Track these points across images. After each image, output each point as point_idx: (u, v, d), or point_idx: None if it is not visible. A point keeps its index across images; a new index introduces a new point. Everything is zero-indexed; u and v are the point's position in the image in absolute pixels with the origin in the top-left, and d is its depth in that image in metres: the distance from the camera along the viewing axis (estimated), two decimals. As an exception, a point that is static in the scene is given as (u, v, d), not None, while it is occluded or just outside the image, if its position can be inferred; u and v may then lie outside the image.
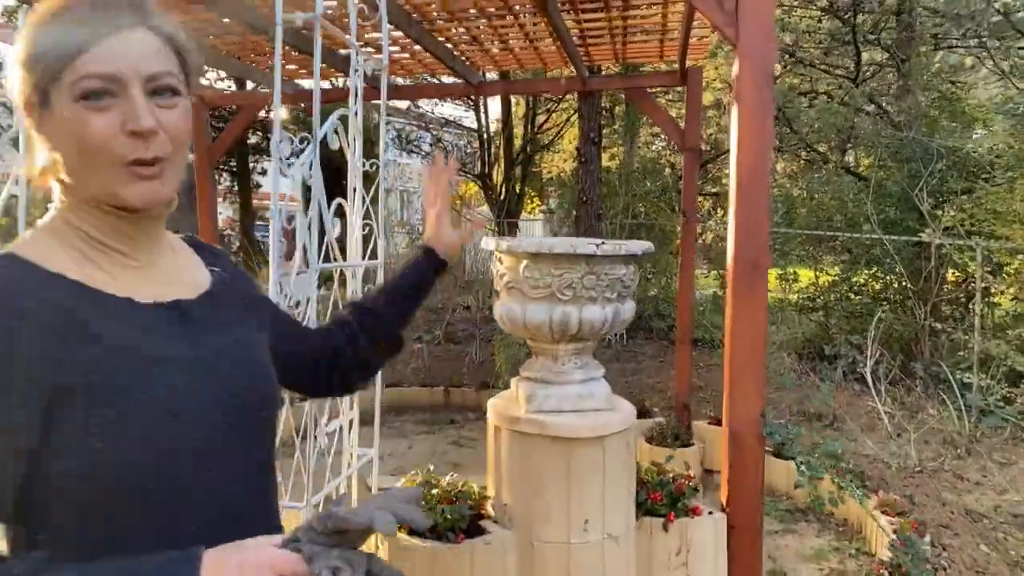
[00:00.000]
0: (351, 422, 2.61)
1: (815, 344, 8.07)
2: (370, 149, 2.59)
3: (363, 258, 2.45)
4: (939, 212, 7.74)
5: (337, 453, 2.59)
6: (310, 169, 2.03)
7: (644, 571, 2.46)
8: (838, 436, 6.35)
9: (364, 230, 2.44)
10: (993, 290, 7.60)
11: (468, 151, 16.51)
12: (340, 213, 2.39)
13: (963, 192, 7.51)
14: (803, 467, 2.44)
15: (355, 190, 2.41)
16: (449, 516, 2.29)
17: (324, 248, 2.22)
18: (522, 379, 2.47)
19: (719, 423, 5.99)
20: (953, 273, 8.28)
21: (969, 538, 4.31)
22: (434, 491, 2.38)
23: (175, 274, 0.91)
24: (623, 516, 2.37)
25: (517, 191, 14.68)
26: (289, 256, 2.14)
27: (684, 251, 6.08)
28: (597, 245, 2.20)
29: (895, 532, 4.10)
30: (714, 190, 12.73)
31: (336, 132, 2.23)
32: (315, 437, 2.35)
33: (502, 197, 14.42)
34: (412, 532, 2.32)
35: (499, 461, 2.40)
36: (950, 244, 6.91)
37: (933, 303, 7.77)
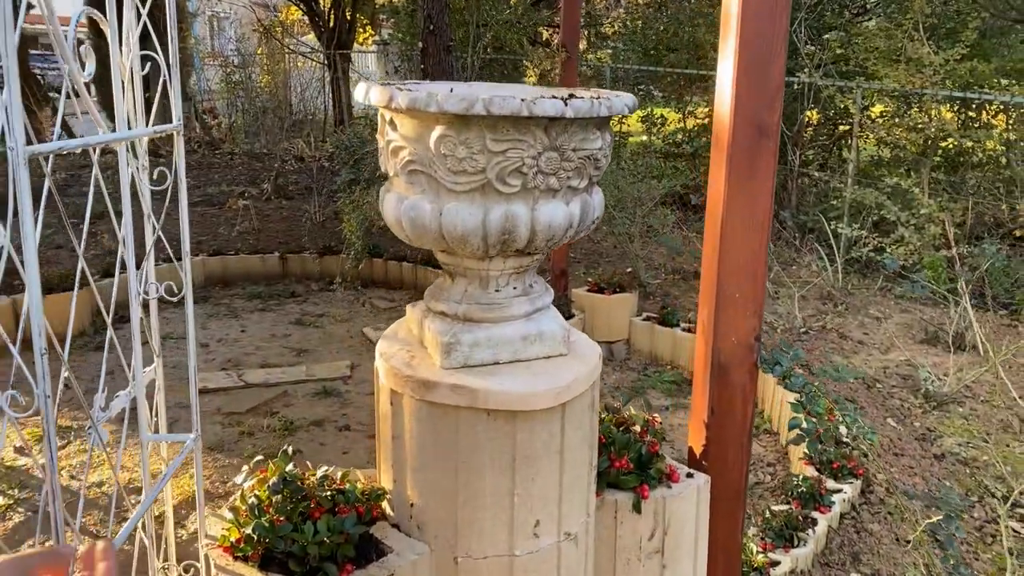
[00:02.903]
0: (153, 385, 1.64)
1: (679, 193, 7.61)
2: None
3: (146, 123, 1.39)
4: (813, 49, 7.26)
5: (133, 446, 1.64)
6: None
7: (607, 566, 1.77)
8: (718, 296, 6.00)
9: (144, 69, 1.36)
10: (858, 134, 7.35)
11: (288, -32, 14.26)
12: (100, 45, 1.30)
13: (840, 28, 7.03)
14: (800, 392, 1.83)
15: (119, -5, 1.31)
16: (327, 539, 1.45)
17: (61, 105, 1.16)
18: (432, 314, 1.58)
19: (600, 290, 5.41)
20: (816, 115, 7.99)
21: (875, 411, 4.06)
22: (299, 496, 1.51)
23: None
24: (582, 504, 1.63)
25: (348, 18, 12.88)
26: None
27: (567, 94, 5.13)
28: (565, 100, 1.29)
29: (808, 415, 3.74)
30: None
31: None
32: (89, 428, 1.39)
33: (331, 24, 12.60)
34: (267, 564, 1.47)
35: (401, 443, 1.55)
36: (831, 85, 6.46)
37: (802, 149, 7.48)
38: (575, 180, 1.41)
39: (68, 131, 10.49)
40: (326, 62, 12.84)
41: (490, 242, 1.38)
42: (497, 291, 1.53)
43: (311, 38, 14.61)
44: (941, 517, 1.73)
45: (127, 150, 1.38)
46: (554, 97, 1.30)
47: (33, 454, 3.75)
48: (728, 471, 1.89)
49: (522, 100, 1.27)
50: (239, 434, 4.05)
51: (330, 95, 12.86)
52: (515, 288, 1.54)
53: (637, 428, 1.84)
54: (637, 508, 1.73)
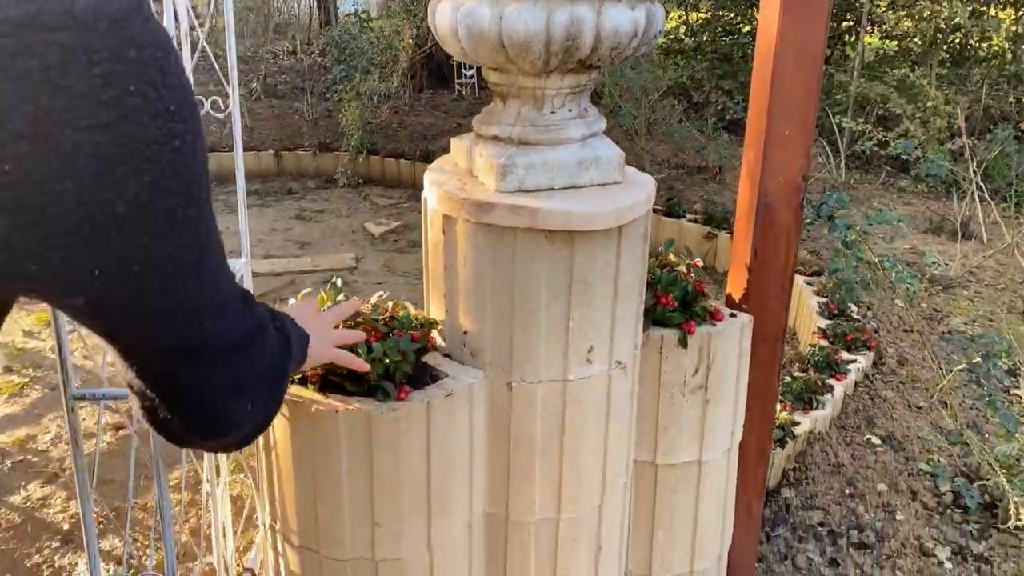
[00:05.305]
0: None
1: (680, 89, 7.47)
2: None
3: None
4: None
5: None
6: None
7: (651, 400, 1.79)
8: (722, 190, 5.97)
9: None
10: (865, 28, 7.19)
11: None
12: None
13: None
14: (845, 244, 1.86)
15: None
16: (388, 359, 1.44)
17: None
18: (482, 140, 1.54)
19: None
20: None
21: (882, 293, 4.10)
22: (354, 321, 1.50)
23: None
24: (632, 335, 1.63)
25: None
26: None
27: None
28: None
29: (818, 294, 3.78)
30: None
31: None
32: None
33: (314, -81, 12.00)
34: (325, 385, 1.47)
35: (453, 270, 1.53)
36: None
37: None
38: (641, -16, 1.34)
39: None
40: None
41: (552, 50, 1.33)
42: (552, 112, 1.48)
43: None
44: (980, 357, 1.76)
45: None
46: None
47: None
48: (768, 314, 1.90)
49: None
50: (250, 318, 4.04)
51: (315, -5, 12.39)
52: (570, 110, 1.50)
53: (682, 269, 1.83)
54: (683, 343, 1.73)
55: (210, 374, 0.70)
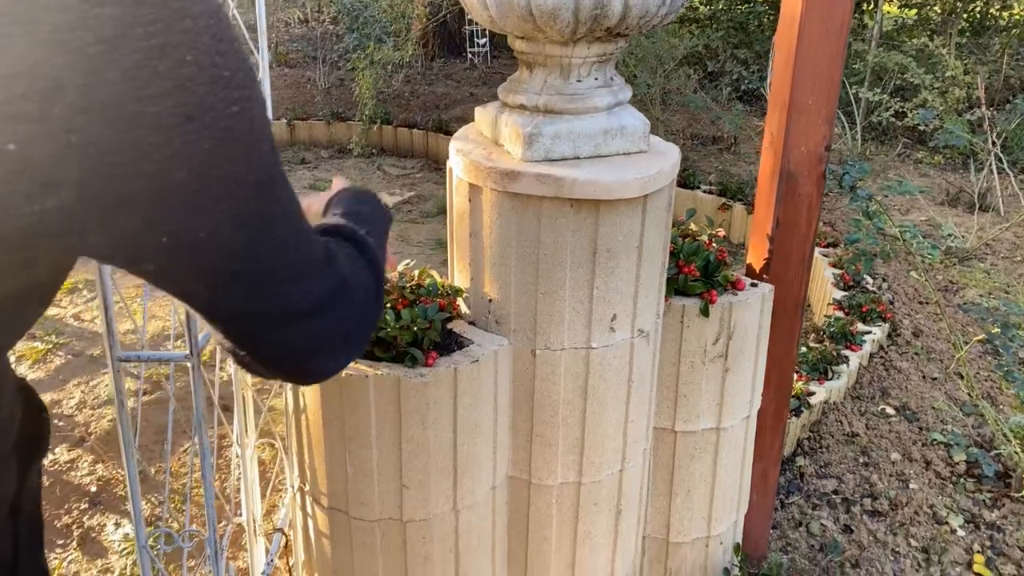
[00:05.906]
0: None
1: (695, 59, 7.39)
2: None
3: None
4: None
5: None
6: None
7: (671, 369, 1.81)
8: (737, 160, 5.94)
9: None
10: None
11: None
12: None
13: None
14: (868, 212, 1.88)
15: None
16: (416, 326, 1.46)
17: None
18: (509, 109, 1.54)
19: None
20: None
21: (898, 264, 4.10)
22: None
23: None
24: (654, 304, 1.65)
25: None
26: None
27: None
28: None
29: (833, 265, 3.78)
30: None
31: None
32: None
33: None
34: (353, 353, 1.49)
35: (479, 239, 1.54)
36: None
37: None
38: (670, -48, 1.34)
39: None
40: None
41: (581, 18, 1.33)
42: (579, 81, 1.48)
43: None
44: (999, 328, 1.78)
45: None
46: None
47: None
48: (789, 284, 1.91)
49: None
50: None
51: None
52: (596, 79, 1.50)
53: (704, 238, 1.84)
54: (705, 312, 1.75)
55: (291, 336, 0.70)
